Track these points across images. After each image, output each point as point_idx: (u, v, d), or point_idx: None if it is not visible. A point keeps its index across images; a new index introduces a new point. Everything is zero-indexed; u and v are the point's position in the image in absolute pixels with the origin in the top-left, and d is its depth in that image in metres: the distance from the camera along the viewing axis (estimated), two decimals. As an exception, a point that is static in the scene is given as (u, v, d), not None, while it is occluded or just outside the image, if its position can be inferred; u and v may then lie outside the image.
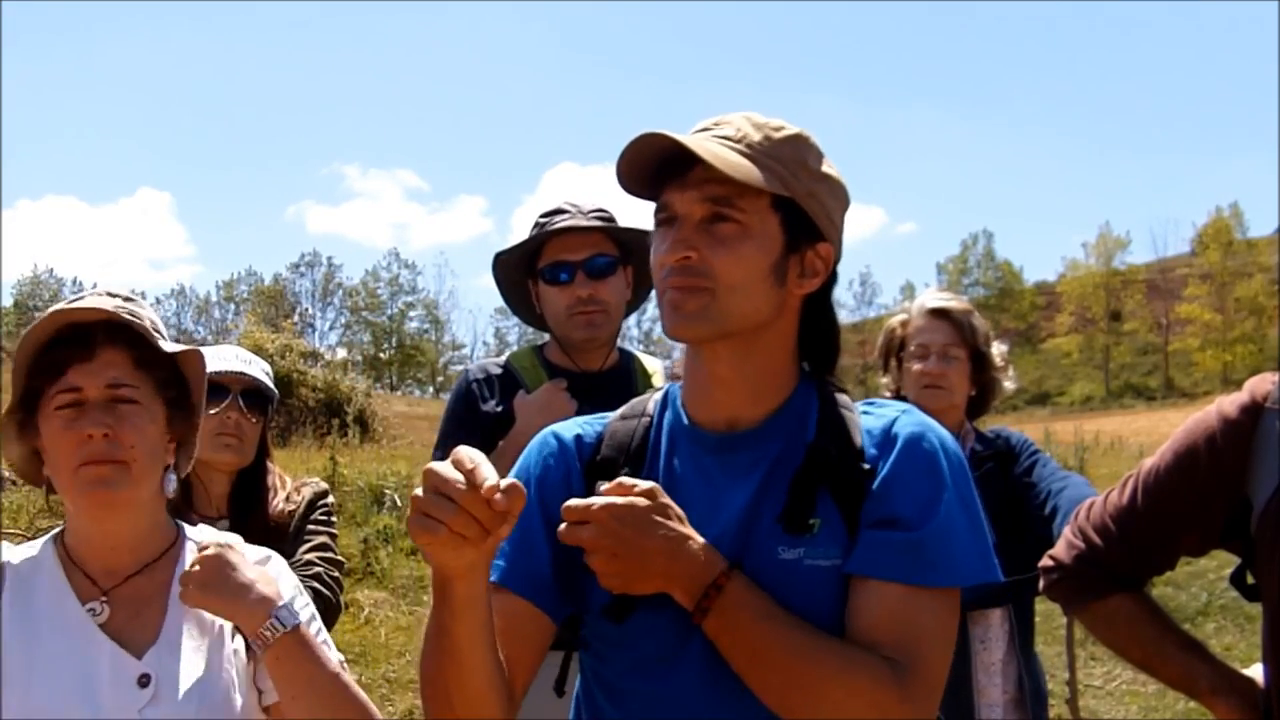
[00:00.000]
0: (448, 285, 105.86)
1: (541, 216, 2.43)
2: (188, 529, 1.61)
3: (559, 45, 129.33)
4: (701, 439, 1.33)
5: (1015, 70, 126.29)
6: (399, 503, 8.50)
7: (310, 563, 2.33)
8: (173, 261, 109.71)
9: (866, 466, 1.25)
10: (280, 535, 2.37)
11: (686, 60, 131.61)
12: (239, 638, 1.52)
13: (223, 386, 2.35)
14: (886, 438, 1.27)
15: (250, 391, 2.38)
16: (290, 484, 2.49)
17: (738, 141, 1.26)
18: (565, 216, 2.38)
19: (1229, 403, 1.58)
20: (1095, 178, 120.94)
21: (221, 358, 2.40)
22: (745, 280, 1.25)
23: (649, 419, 1.38)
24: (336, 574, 2.38)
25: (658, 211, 1.31)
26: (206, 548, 1.49)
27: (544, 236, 2.37)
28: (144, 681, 1.44)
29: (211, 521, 2.33)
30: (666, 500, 1.23)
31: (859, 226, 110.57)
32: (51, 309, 1.50)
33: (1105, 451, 16.42)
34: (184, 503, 2.34)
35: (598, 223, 2.38)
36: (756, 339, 1.29)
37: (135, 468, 1.47)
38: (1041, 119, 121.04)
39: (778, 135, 1.28)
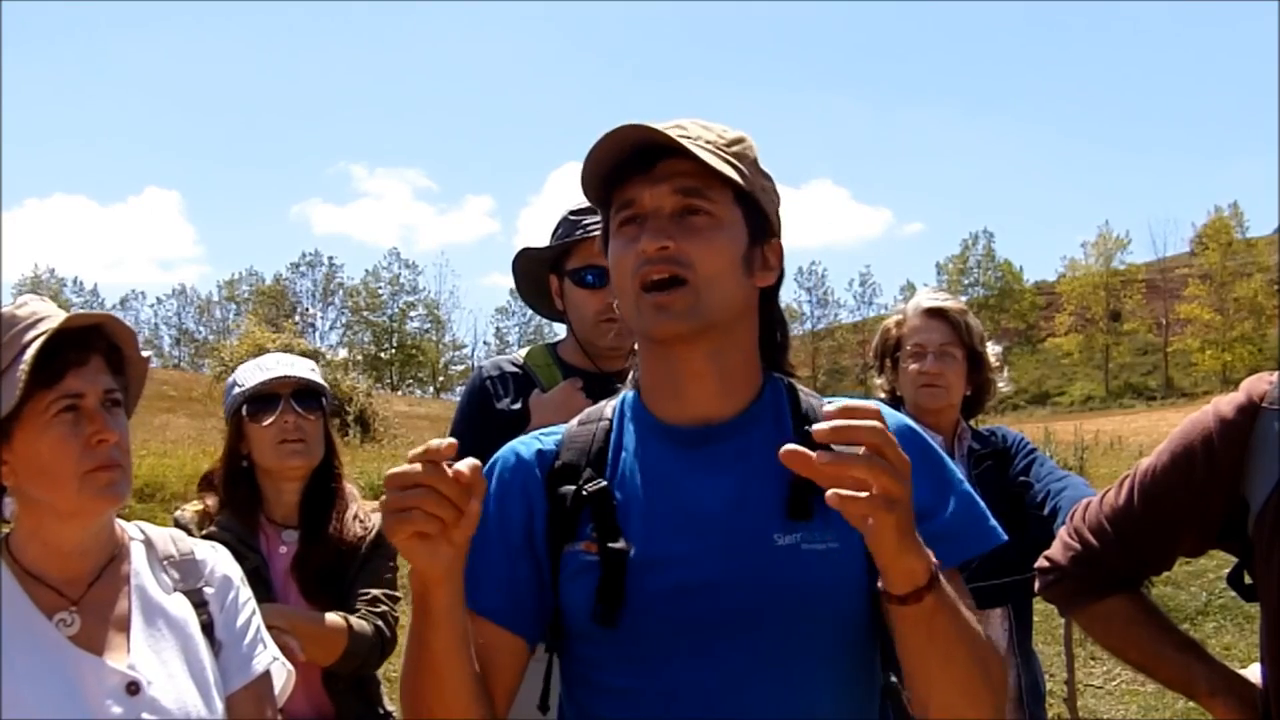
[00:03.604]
0: (448, 285, 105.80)
1: (573, 214, 2.38)
2: (125, 525, 1.60)
3: (566, 45, 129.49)
4: (674, 435, 1.32)
5: (1016, 70, 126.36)
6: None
7: (377, 599, 2.36)
8: (181, 262, 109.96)
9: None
10: (349, 557, 2.37)
11: (693, 61, 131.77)
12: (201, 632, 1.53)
13: (272, 395, 2.35)
14: None
15: (301, 391, 2.37)
16: (361, 502, 2.48)
17: (694, 140, 1.28)
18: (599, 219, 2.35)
19: (1225, 403, 1.58)
20: (1095, 178, 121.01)
21: (263, 368, 2.40)
22: (721, 271, 1.26)
23: (608, 422, 1.37)
24: (397, 614, 2.41)
25: (621, 209, 1.30)
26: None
27: (581, 240, 2.34)
28: (133, 689, 1.43)
29: (280, 529, 2.36)
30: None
31: (863, 227, 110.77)
32: (59, 316, 1.48)
33: (1105, 451, 16.41)
34: (255, 509, 2.36)
35: None
36: (730, 332, 1.30)
37: (130, 470, 1.48)
38: (1042, 119, 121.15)
39: (728, 135, 1.32)
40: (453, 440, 1.07)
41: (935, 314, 2.73)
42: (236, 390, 2.39)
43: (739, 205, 1.29)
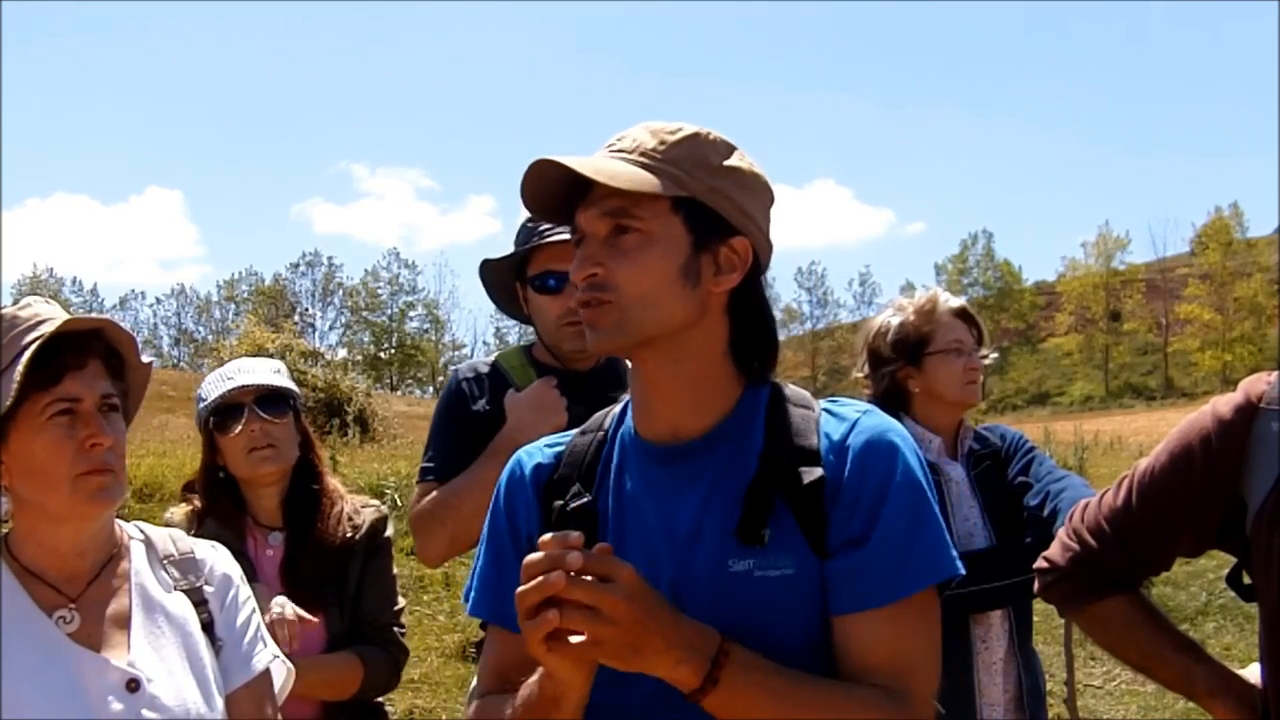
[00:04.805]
0: (448, 285, 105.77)
1: (530, 221, 2.39)
2: (125, 525, 1.60)
3: (566, 45, 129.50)
4: (649, 451, 1.32)
5: (1018, 71, 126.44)
6: (399, 502, 8.50)
7: (391, 626, 2.40)
8: (183, 261, 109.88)
9: (820, 472, 1.24)
10: (341, 555, 2.37)
11: (694, 60, 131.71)
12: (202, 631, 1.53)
13: (235, 405, 2.34)
14: (844, 445, 1.26)
15: (264, 397, 2.36)
16: (349, 497, 2.48)
17: (631, 152, 1.27)
18: (555, 226, 2.37)
19: (1223, 403, 1.58)
20: (1095, 178, 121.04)
21: (225, 378, 2.39)
22: (651, 288, 1.25)
23: (603, 434, 1.38)
24: (404, 625, 2.47)
25: (572, 234, 1.31)
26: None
27: (539, 246, 2.36)
28: (133, 686, 1.43)
29: (267, 531, 2.37)
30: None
31: (866, 227, 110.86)
32: (59, 319, 1.48)
33: (1105, 451, 16.44)
34: (239, 515, 2.37)
35: None
36: (683, 343, 1.28)
37: (124, 475, 1.49)
38: (1043, 119, 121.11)
39: (673, 138, 1.28)
40: (579, 534, 1.09)
41: (964, 314, 2.76)
42: (202, 404, 2.38)
43: (677, 213, 1.26)
